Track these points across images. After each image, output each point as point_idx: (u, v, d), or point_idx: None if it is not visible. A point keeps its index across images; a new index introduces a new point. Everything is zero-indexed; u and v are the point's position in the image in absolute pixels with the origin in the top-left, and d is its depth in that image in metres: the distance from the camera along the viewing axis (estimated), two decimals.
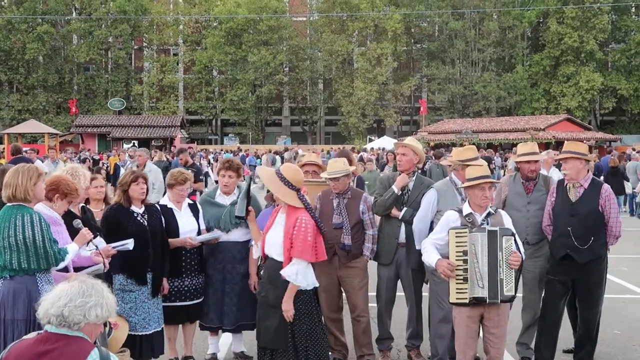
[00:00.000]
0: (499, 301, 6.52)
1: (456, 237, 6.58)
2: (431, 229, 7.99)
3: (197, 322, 8.44)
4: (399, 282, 8.68)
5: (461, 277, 6.50)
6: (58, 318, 3.80)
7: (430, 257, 6.78)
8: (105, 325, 6.84)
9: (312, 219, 6.57)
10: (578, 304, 8.19)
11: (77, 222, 6.69)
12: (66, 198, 6.70)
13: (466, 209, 6.77)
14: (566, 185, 7.99)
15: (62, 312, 3.79)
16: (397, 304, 8.90)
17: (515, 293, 6.56)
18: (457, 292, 6.55)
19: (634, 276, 13.86)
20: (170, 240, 7.97)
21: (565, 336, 8.63)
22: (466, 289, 6.48)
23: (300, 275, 6.50)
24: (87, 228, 6.66)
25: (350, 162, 9.28)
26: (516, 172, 8.76)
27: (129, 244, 7.24)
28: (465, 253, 6.49)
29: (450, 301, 6.69)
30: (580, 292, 8.04)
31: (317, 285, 6.73)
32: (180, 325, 8.46)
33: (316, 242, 6.56)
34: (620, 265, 14.34)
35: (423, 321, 8.72)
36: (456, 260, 6.53)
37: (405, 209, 8.37)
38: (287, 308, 6.50)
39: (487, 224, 6.64)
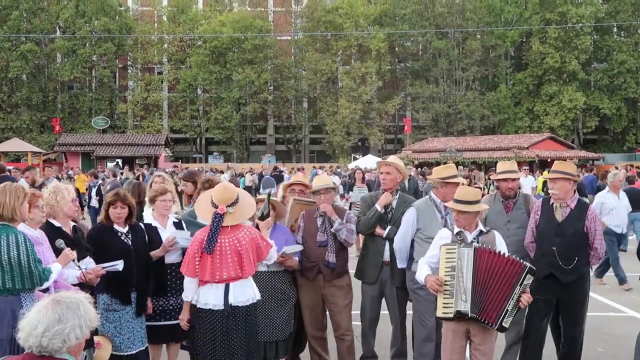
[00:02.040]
0: (491, 327, 6.53)
1: (446, 253, 6.63)
2: (412, 247, 8.04)
3: (181, 341, 8.42)
4: (383, 300, 8.70)
5: (448, 292, 6.53)
6: (38, 348, 3.75)
7: (420, 274, 6.84)
8: (89, 346, 6.84)
9: (204, 235, 6.89)
10: (562, 322, 8.23)
11: (60, 242, 6.67)
12: (33, 209, 6.64)
13: (455, 227, 6.82)
14: (552, 204, 8.04)
15: (41, 343, 3.73)
16: (381, 322, 8.91)
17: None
18: (443, 307, 6.58)
19: (617, 294, 13.93)
20: (151, 253, 7.95)
21: (550, 353, 8.65)
22: (451, 303, 6.51)
23: (185, 288, 7.08)
24: (69, 248, 6.65)
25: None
26: (497, 191, 8.82)
27: (119, 264, 7.26)
28: (453, 268, 6.53)
29: (437, 315, 6.71)
30: (564, 310, 8.08)
31: (212, 307, 6.89)
32: (164, 345, 8.44)
33: (201, 259, 6.86)
34: (604, 283, 14.41)
35: (407, 340, 8.74)
36: (445, 275, 6.57)
37: (389, 227, 8.41)
38: (181, 318, 7.30)
39: (477, 242, 6.68)
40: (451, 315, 6.55)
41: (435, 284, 6.56)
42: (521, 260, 6.53)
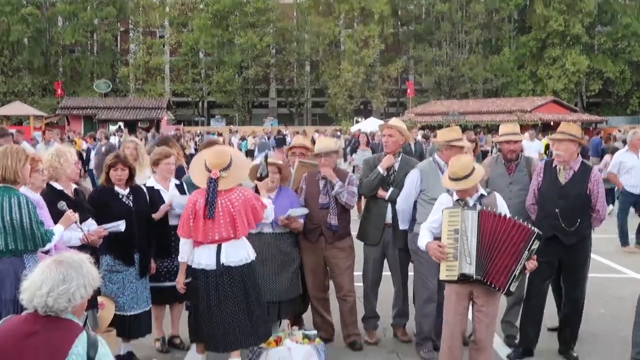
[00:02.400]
0: (500, 291, 6.54)
1: (449, 216, 6.61)
2: (415, 209, 8.05)
3: (184, 302, 8.47)
4: (385, 262, 8.73)
5: (451, 255, 6.53)
6: (43, 308, 3.76)
7: (422, 241, 6.82)
8: (92, 307, 6.89)
9: (202, 198, 7.01)
10: (563, 284, 8.25)
11: (62, 205, 6.67)
12: (34, 173, 6.66)
13: (455, 194, 6.79)
14: (555, 166, 8.02)
15: (47, 302, 3.74)
16: (383, 283, 8.94)
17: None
18: (446, 270, 6.56)
19: (619, 256, 13.97)
20: (153, 215, 7.98)
21: (551, 314, 8.69)
22: (455, 266, 6.50)
23: (180, 249, 7.31)
24: (71, 210, 6.66)
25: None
26: (499, 153, 8.80)
27: (120, 225, 7.30)
28: (456, 232, 6.51)
29: (440, 278, 6.71)
30: (566, 272, 8.10)
31: (205, 267, 7.07)
32: (168, 305, 8.50)
33: (195, 221, 7.06)
34: (606, 245, 14.44)
35: (409, 300, 8.78)
36: (447, 239, 6.55)
37: (391, 189, 8.40)
38: (177, 280, 7.49)
39: (480, 205, 6.68)
40: (455, 278, 6.53)
41: (437, 251, 6.56)
42: (529, 225, 6.53)
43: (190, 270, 7.25)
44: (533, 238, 6.43)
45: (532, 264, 6.50)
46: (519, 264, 6.43)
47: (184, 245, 7.22)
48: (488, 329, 6.73)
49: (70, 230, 6.70)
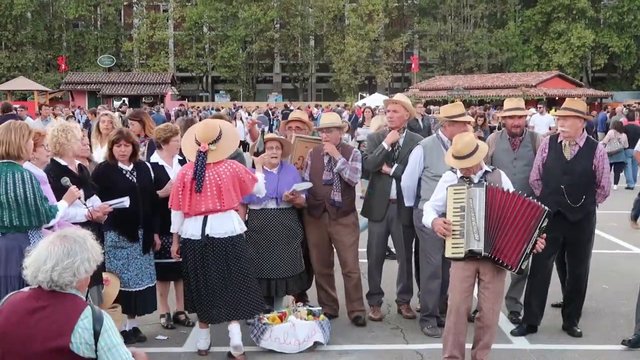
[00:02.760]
0: (512, 270, 6.55)
1: (454, 193, 6.58)
2: (419, 185, 8.03)
3: None
4: (389, 238, 8.73)
5: (457, 232, 6.51)
6: (48, 283, 3.76)
7: (427, 218, 6.79)
8: (97, 283, 6.91)
9: (192, 170, 7.20)
10: (567, 260, 8.24)
11: (65, 180, 6.66)
12: (38, 148, 6.65)
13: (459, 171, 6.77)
14: (561, 142, 7.99)
15: (52, 277, 3.74)
16: (387, 260, 8.96)
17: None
18: (452, 247, 6.55)
19: (622, 232, 13.94)
20: (159, 192, 7.99)
21: (555, 290, 8.70)
22: (462, 243, 6.48)
23: (172, 221, 7.49)
24: (75, 186, 6.66)
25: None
26: (503, 128, 8.77)
27: (125, 201, 7.32)
28: (462, 209, 6.49)
29: (446, 256, 6.69)
30: (570, 248, 8.09)
31: (191, 236, 7.29)
32: (172, 282, 8.52)
33: (183, 193, 7.25)
34: (610, 221, 14.43)
35: (413, 277, 8.79)
36: (453, 216, 6.53)
37: (396, 165, 8.38)
38: (172, 249, 7.71)
39: (485, 181, 6.66)
40: (462, 255, 6.52)
41: (442, 227, 6.53)
42: (539, 203, 6.51)
43: (180, 240, 7.47)
44: (544, 216, 6.43)
45: (541, 244, 6.50)
46: (530, 242, 6.43)
47: (175, 217, 7.43)
48: (494, 307, 6.72)
49: (74, 207, 6.70)
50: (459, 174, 6.73)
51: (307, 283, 8.73)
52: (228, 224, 7.24)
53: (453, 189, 6.61)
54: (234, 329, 7.26)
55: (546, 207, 6.48)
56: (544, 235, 6.54)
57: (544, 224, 6.45)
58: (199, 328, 7.60)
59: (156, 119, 29.70)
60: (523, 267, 6.53)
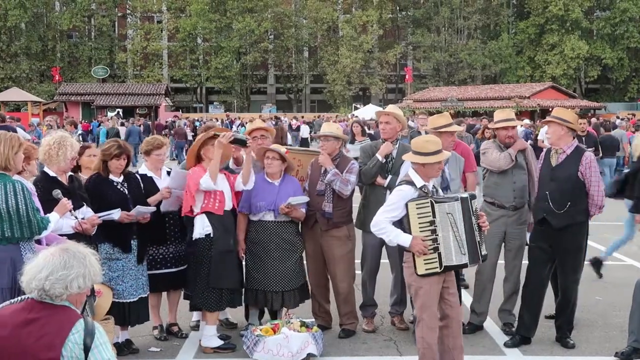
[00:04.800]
0: (480, 262, 6.74)
1: (417, 208, 6.46)
2: None
3: (182, 289, 8.48)
4: (383, 249, 8.72)
5: (431, 248, 6.45)
6: (39, 292, 3.75)
7: (401, 237, 6.56)
8: (90, 293, 6.88)
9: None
10: (557, 271, 8.24)
11: (57, 192, 6.64)
12: (30, 160, 6.63)
13: (418, 181, 6.60)
14: (550, 151, 8.08)
15: (44, 286, 3.74)
16: (381, 270, 8.95)
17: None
18: (425, 263, 6.45)
19: None
20: (149, 199, 7.95)
21: (548, 302, 8.70)
22: (435, 258, 6.43)
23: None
24: (66, 198, 6.63)
25: None
26: (494, 140, 8.79)
27: (114, 213, 7.30)
28: (431, 223, 6.42)
29: (419, 273, 6.50)
30: (559, 259, 8.07)
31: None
32: (165, 293, 8.50)
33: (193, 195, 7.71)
34: (603, 232, 14.44)
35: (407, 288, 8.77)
36: (421, 232, 6.44)
37: (390, 176, 8.37)
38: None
39: (437, 191, 6.74)
40: (439, 270, 6.46)
41: (422, 246, 6.40)
42: (457, 194, 6.77)
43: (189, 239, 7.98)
44: (468, 201, 6.52)
45: (483, 225, 6.66)
46: (476, 231, 6.56)
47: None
48: (460, 309, 6.85)
49: (63, 218, 6.67)
50: (418, 183, 6.59)
51: (308, 295, 8.68)
52: (197, 228, 7.78)
53: (415, 204, 6.48)
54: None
55: (458, 195, 6.63)
56: (482, 214, 6.71)
57: (474, 206, 6.59)
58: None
59: (132, 131, 30.03)
60: (484, 252, 6.66)
